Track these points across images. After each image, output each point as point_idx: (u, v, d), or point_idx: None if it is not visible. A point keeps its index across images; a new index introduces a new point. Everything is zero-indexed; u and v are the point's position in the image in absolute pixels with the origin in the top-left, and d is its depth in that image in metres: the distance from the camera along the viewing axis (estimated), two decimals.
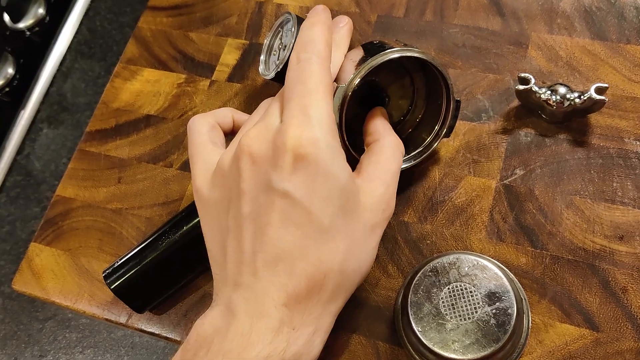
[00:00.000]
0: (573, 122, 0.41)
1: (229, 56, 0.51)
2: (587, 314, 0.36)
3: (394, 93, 0.42)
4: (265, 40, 0.45)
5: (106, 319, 0.44)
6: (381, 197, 0.33)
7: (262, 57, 0.45)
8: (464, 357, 0.33)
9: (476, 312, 0.34)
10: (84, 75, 0.57)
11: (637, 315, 0.36)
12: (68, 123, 0.55)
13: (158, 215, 0.46)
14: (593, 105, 0.39)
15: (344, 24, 0.40)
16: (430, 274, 0.36)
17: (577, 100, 0.39)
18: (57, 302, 0.46)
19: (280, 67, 0.41)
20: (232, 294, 0.30)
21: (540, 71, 0.44)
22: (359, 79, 0.36)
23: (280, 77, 0.42)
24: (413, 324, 0.35)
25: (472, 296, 0.35)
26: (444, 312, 0.35)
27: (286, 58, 0.41)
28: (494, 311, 0.34)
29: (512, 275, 0.38)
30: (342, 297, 0.32)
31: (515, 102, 0.43)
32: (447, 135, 0.40)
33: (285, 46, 0.42)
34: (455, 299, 0.35)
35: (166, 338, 0.42)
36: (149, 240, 0.41)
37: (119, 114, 0.51)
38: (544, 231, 0.39)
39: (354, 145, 0.38)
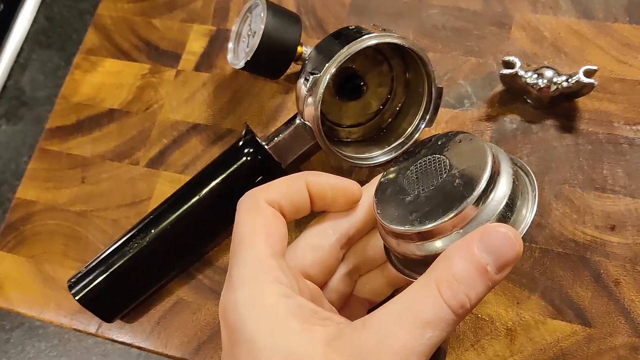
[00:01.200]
0: (560, 107, 0.39)
1: (196, 44, 0.48)
2: (579, 309, 0.35)
3: (372, 81, 0.39)
4: (234, 27, 0.42)
5: (75, 329, 0.42)
6: None
7: (230, 45, 0.42)
8: (420, 228, 0.26)
9: (441, 177, 0.28)
10: (43, 67, 0.54)
11: (630, 309, 0.34)
12: (28, 119, 0.52)
13: (125, 217, 0.43)
14: (581, 89, 0.37)
15: None
16: (402, 157, 0.31)
17: (564, 83, 0.37)
18: (22, 312, 0.43)
19: (250, 55, 0.38)
20: None
21: (525, 53, 0.42)
22: (334, 68, 0.33)
23: (250, 66, 0.39)
24: (375, 208, 0.29)
25: (439, 164, 0.28)
26: (407, 187, 0.29)
27: (256, 45, 0.38)
28: (460, 172, 0.27)
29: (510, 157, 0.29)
30: None
31: (499, 87, 0.41)
32: (429, 124, 0.38)
33: (255, 32, 0.39)
34: (421, 173, 0.29)
35: (139, 347, 0.40)
36: (115, 246, 0.39)
37: (80, 108, 0.48)
38: (532, 223, 0.37)
39: (331, 137, 0.35)
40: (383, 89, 0.40)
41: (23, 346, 0.47)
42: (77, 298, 0.38)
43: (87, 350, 0.45)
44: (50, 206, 0.45)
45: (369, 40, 0.34)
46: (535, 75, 0.38)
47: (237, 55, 0.42)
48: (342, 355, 0.22)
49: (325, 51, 0.35)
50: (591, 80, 0.36)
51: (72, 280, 0.39)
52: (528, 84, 0.38)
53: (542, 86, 0.38)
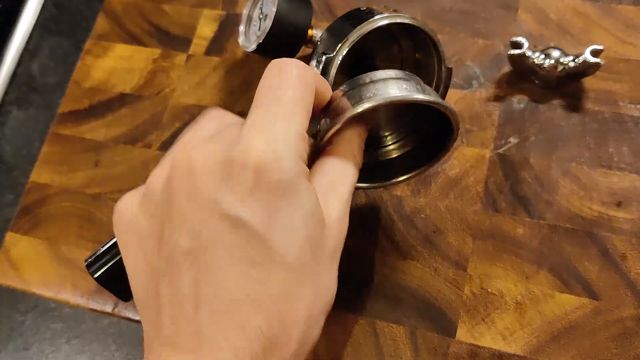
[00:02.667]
0: (567, 87, 0.40)
1: (206, 28, 0.49)
2: (587, 283, 0.36)
3: (382, 62, 0.40)
4: (245, 10, 0.43)
5: (91, 309, 0.43)
6: (340, 214, 0.27)
7: (241, 28, 0.43)
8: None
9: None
10: (53, 54, 0.54)
11: (636, 282, 0.35)
12: (39, 104, 0.53)
13: None
14: (588, 69, 0.38)
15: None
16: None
17: (571, 63, 0.38)
18: (39, 293, 0.44)
19: (262, 38, 0.39)
20: (165, 353, 0.24)
21: (531, 35, 0.42)
22: (346, 48, 0.34)
23: (262, 49, 0.40)
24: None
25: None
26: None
27: (268, 28, 0.39)
28: None
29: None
30: (306, 351, 0.25)
31: (507, 68, 0.42)
32: None
33: (267, 15, 0.40)
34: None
35: None
36: None
37: (92, 93, 0.49)
38: (540, 200, 0.38)
39: None
40: None
41: (38, 328, 0.48)
42: (95, 277, 0.39)
43: (103, 331, 0.46)
44: (64, 189, 0.46)
45: (381, 21, 0.34)
46: (543, 56, 0.39)
47: (248, 38, 0.42)
48: None
49: (337, 32, 0.36)
50: (597, 60, 0.37)
51: (89, 260, 0.40)
52: (535, 64, 0.39)
53: (549, 66, 0.39)
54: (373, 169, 0.36)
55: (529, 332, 0.35)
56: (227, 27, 0.48)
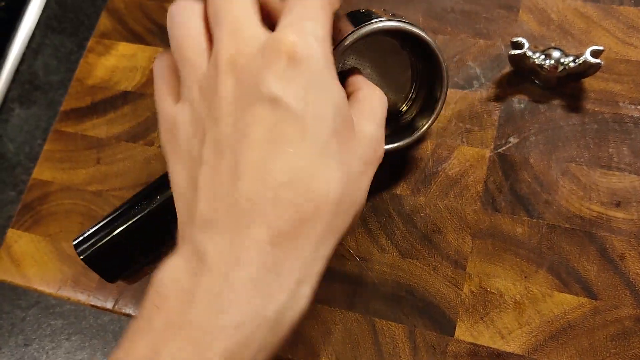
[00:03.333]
0: (567, 87, 0.40)
1: None
2: (585, 283, 0.36)
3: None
4: None
5: (92, 305, 0.43)
6: (373, 134, 0.29)
7: None
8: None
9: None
10: (56, 52, 0.55)
11: (635, 282, 0.35)
12: (41, 102, 0.53)
13: None
14: (588, 69, 0.38)
15: None
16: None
17: (571, 64, 0.38)
18: (40, 289, 0.44)
19: None
20: (200, 235, 0.24)
21: (532, 35, 0.42)
22: (342, 52, 0.34)
23: None
24: None
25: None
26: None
27: None
28: None
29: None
30: (333, 238, 0.26)
31: (507, 68, 0.42)
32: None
33: None
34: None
35: None
36: (121, 210, 0.40)
37: (95, 91, 0.49)
38: (540, 200, 0.38)
39: None
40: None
41: (39, 324, 0.48)
42: (82, 257, 0.39)
43: (103, 327, 0.47)
44: (66, 186, 0.46)
45: (379, 24, 0.34)
46: (543, 56, 0.39)
47: None
48: None
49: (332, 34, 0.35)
50: (598, 61, 0.37)
51: (78, 239, 0.40)
52: (536, 64, 0.39)
53: (549, 66, 0.39)
54: (397, 134, 0.38)
55: (527, 331, 0.35)
56: None
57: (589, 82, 0.40)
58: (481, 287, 0.37)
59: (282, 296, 0.24)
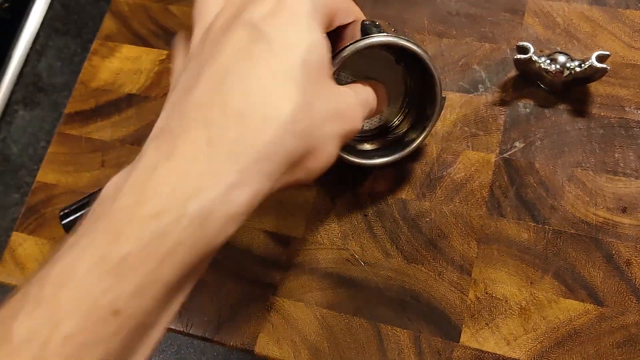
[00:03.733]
0: (572, 91, 0.40)
1: None
2: (591, 289, 0.36)
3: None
4: None
5: None
6: (351, 98, 0.30)
7: None
8: None
9: None
10: (60, 54, 0.55)
11: None
12: (45, 104, 0.53)
13: None
14: (594, 74, 0.38)
15: None
16: None
17: (577, 68, 0.38)
18: None
19: None
20: (148, 145, 0.25)
21: (538, 39, 0.42)
22: (335, 67, 0.33)
23: None
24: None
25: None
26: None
27: None
28: None
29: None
30: (281, 163, 0.25)
31: (513, 72, 0.42)
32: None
33: None
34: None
35: None
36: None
37: (99, 94, 0.49)
38: (545, 205, 0.38)
39: None
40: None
41: None
42: (62, 223, 0.38)
43: None
44: (70, 189, 0.46)
45: (376, 38, 0.33)
46: (549, 61, 0.39)
47: None
48: None
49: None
50: (603, 65, 0.37)
51: (64, 210, 0.39)
52: (542, 68, 0.39)
53: (555, 71, 0.38)
54: (388, 148, 0.39)
55: (533, 337, 0.35)
56: None
57: (594, 87, 0.40)
58: (487, 293, 0.37)
59: (210, 194, 0.23)
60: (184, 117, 0.25)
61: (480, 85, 0.42)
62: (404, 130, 0.40)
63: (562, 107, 0.40)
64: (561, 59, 0.39)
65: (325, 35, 0.28)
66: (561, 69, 0.39)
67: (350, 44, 0.33)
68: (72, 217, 0.38)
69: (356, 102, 0.30)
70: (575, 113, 0.40)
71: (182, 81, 0.27)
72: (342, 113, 0.28)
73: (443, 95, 0.36)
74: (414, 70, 0.38)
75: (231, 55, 0.25)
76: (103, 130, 0.47)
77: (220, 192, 0.23)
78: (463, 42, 0.43)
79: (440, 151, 0.40)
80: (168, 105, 0.27)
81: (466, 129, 0.41)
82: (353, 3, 0.33)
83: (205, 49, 0.27)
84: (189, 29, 0.49)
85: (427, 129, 0.37)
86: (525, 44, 0.39)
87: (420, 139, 0.38)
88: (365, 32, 0.34)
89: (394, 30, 0.36)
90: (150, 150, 0.24)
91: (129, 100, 0.48)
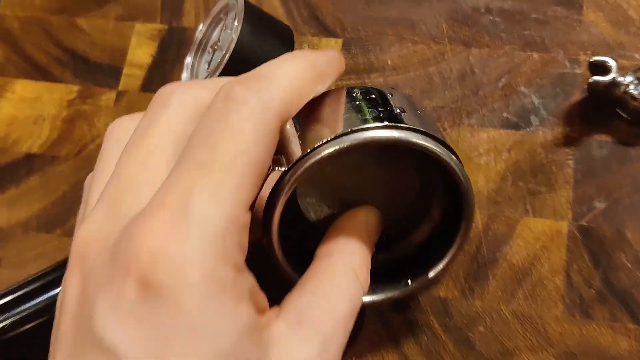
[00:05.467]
0: None
1: (141, 51, 0.34)
2: None
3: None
4: (196, 33, 0.29)
5: None
6: None
7: (188, 60, 0.29)
8: None
9: None
10: None
11: None
12: None
13: None
14: None
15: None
16: None
17: None
18: None
19: (217, 74, 0.26)
20: None
21: (605, 42, 0.30)
22: (301, 171, 0.20)
23: None
24: None
25: None
26: None
27: (224, 63, 0.25)
28: None
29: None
30: None
31: (578, 94, 0.29)
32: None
33: (224, 45, 0.26)
34: None
35: None
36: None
37: None
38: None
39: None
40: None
41: None
42: None
43: None
44: None
45: (376, 132, 0.20)
46: (637, 80, 0.27)
47: (195, 72, 0.29)
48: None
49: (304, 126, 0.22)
50: None
51: None
52: (627, 93, 0.27)
53: None
54: (384, 275, 0.24)
55: None
56: (171, 47, 0.34)
57: None
58: None
59: None
60: None
61: (532, 117, 0.29)
62: (412, 246, 0.26)
63: None
64: None
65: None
66: None
67: (313, 150, 0.20)
68: None
69: (326, 357, 0.19)
70: None
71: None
72: None
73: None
74: (426, 163, 0.24)
75: None
76: None
77: None
78: (500, 52, 0.31)
79: (488, 220, 0.28)
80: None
81: (521, 184, 0.28)
82: (325, 55, 0.21)
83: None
84: (105, 51, 0.35)
85: (455, 247, 0.23)
86: (604, 59, 0.27)
87: (444, 264, 0.23)
88: (352, 110, 0.21)
89: (391, 87, 0.22)
90: None
91: (29, 162, 0.34)
